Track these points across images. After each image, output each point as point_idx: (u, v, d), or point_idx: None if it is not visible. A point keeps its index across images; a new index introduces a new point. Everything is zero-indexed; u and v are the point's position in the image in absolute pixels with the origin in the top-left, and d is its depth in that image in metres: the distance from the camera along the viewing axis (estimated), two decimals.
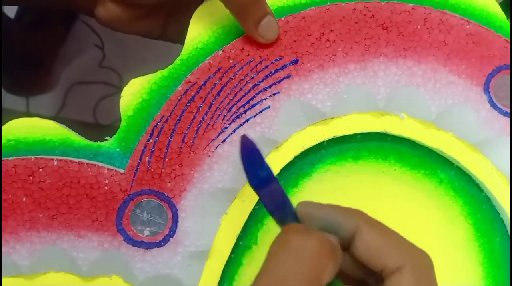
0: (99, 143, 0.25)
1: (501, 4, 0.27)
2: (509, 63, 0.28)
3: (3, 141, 0.25)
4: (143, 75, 0.26)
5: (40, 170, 0.24)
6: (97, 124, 0.69)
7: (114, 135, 0.25)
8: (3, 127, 0.25)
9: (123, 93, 0.26)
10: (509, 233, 0.28)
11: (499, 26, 0.28)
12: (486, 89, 0.28)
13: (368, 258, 0.19)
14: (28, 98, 0.72)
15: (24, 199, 0.24)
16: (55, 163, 0.24)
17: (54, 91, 0.73)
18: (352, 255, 0.20)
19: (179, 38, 0.32)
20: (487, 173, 0.28)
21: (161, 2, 0.29)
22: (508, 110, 0.28)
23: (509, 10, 0.28)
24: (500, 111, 0.27)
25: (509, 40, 0.28)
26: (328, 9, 0.26)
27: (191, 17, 0.28)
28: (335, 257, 0.18)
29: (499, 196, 0.28)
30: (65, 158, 0.25)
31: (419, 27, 0.27)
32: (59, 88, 0.73)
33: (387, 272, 0.19)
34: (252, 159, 0.20)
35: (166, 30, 0.31)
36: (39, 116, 0.25)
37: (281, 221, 0.20)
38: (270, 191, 0.20)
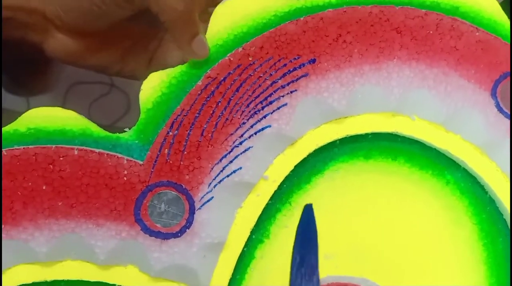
0: (118, 134, 0.26)
1: (501, 4, 0.29)
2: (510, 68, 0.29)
3: (24, 129, 0.25)
4: None
5: (61, 158, 0.25)
6: (97, 125, 0.68)
7: (133, 127, 0.26)
8: (24, 115, 0.25)
9: (142, 87, 0.26)
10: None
11: (505, 35, 0.29)
12: (494, 94, 0.29)
13: None
14: (28, 98, 0.72)
15: (44, 187, 0.24)
16: (76, 152, 0.25)
17: (54, 91, 0.73)
18: None
19: (141, 76, 0.31)
20: (492, 175, 0.29)
21: (116, 35, 0.29)
22: None
23: (505, 14, 0.29)
24: (507, 115, 0.29)
25: None
26: (345, 11, 0.27)
27: (151, 56, 0.28)
28: None
29: (503, 197, 0.29)
30: (85, 147, 0.25)
31: (431, 32, 0.28)
32: (59, 88, 0.72)
33: None
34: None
35: (124, 66, 0.31)
36: None
37: None
38: None
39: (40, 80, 0.73)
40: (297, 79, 0.27)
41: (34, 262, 0.24)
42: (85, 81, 0.74)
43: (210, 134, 0.26)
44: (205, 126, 0.26)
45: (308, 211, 0.22)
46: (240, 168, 0.26)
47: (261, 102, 0.26)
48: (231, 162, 0.26)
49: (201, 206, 0.25)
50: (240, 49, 0.26)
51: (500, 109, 0.29)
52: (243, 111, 0.26)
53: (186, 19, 0.25)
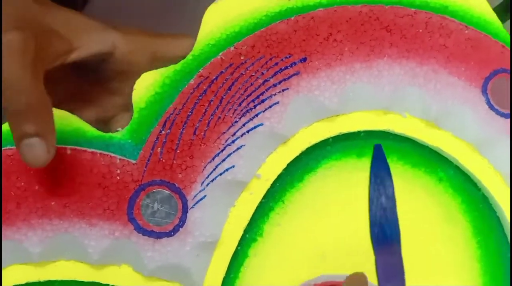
0: (111, 134, 0.26)
1: (498, 7, 0.29)
2: (506, 67, 0.29)
3: None
4: None
5: (54, 158, 0.25)
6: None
7: (126, 127, 0.26)
8: None
9: (135, 86, 0.26)
10: (505, 231, 0.29)
11: (495, 33, 0.30)
12: (484, 91, 0.29)
13: None
14: None
15: (37, 187, 0.24)
16: (69, 152, 0.25)
17: None
18: None
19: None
20: (484, 172, 0.29)
21: None
22: (505, 111, 0.29)
23: (505, 14, 0.29)
24: (497, 112, 0.29)
25: (505, 46, 0.29)
26: (335, 10, 0.28)
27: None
28: None
29: (496, 194, 0.29)
30: (78, 147, 0.25)
31: (421, 30, 0.28)
32: None
33: None
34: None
35: None
36: None
37: None
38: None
39: None
40: (288, 78, 0.27)
41: (28, 262, 0.24)
42: None
43: (202, 133, 0.26)
44: (197, 125, 0.26)
45: (378, 150, 0.22)
46: (233, 166, 0.26)
47: (253, 100, 0.26)
48: (223, 160, 0.26)
49: (194, 205, 0.25)
50: (232, 48, 0.27)
51: (491, 106, 0.29)
52: (235, 110, 0.26)
53: (15, 114, 0.21)
